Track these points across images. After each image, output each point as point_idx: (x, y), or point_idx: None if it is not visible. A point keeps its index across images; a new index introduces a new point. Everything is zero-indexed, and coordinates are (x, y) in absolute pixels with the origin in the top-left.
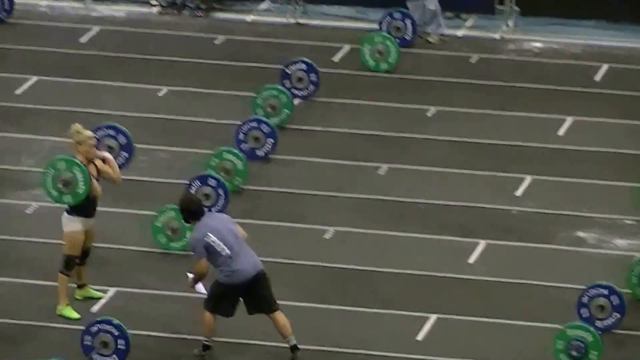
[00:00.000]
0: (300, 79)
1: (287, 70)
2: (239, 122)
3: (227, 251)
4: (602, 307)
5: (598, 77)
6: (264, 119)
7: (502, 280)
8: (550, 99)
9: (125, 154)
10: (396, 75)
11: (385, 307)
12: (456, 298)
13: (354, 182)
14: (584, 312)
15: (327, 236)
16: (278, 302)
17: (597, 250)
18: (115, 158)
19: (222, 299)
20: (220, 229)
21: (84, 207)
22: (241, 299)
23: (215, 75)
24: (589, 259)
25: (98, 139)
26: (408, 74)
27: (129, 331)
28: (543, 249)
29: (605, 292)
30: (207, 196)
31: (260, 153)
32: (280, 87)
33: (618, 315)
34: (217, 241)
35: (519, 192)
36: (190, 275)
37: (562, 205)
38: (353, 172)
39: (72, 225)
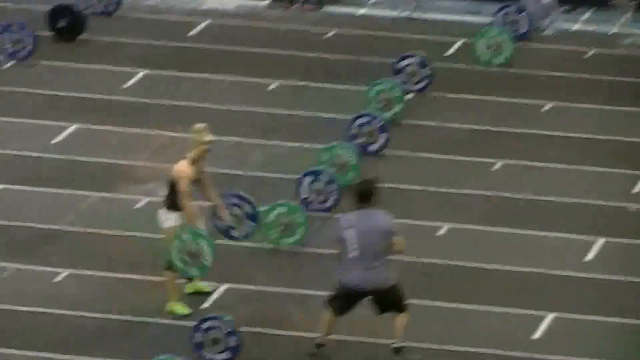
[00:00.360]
0: (413, 74)
1: (400, 65)
2: (351, 117)
3: (354, 253)
4: None
5: None
6: (376, 114)
7: (621, 278)
8: None
9: (252, 223)
10: (511, 69)
11: (500, 305)
12: (573, 296)
13: (468, 178)
14: None
15: (441, 233)
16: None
17: None
18: (240, 226)
19: (338, 296)
20: (362, 227)
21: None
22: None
23: (326, 69)
24: None
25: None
26: (523, 69)
27: (240, 328)
28: None
29: None
30: (319, 191)
31: (372, 148)
32: (392, 82)
33: None
34: (351, 240)
35: (636, 189)
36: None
37: None
38: (467, 168)
39: (170, 220)
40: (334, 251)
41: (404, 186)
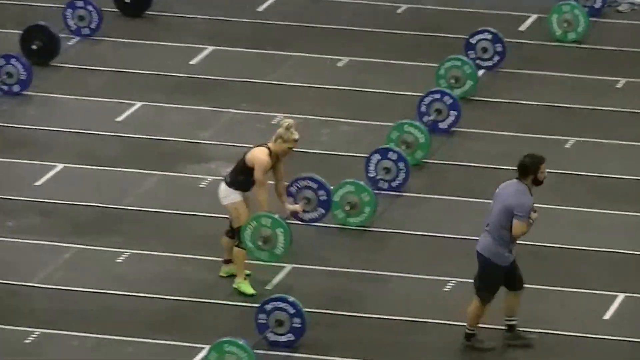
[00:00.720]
0: (485, 49)
1: (471, 40)
2: (422, 94)
3: (485, 220)
4: None
5: None
6: (447, 90)
7: None
8: None
9: (322, 210)
10: (584, 45)
11: (573, 285)
12: None
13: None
14: None
15: None
16: (465, 280)
17: None
18: (310, 212)
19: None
20: (497, 197)
21: (245, 183)
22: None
23: (396, 45)
24: None
25: (298, 188)
26: (597, 45)
27: (305, 309)
28: None
29: None
30: (387, 170)
31: (443, 126)
32: (464, 58)
33: None
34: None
35: None
36: None
37: None
38: (540, 145)
39: (232, 196)
40: (402, 231)
41: (475, 164)
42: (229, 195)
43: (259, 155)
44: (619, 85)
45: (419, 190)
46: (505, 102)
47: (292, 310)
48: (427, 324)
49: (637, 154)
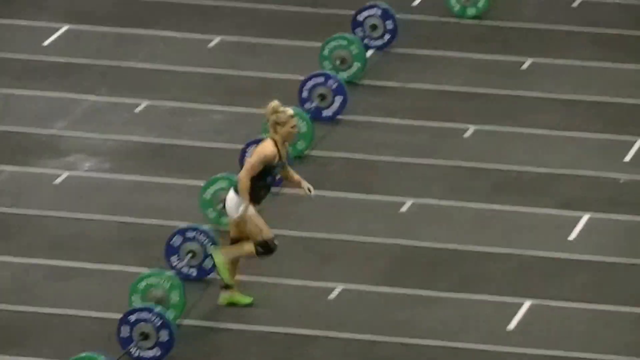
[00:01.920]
0: (374, 27)
1: (358, 17)
2: (303, 78)
3: None
4: None
5: None
6: (332, 73)
7: (607, 260)
8: None
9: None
10: (486, 22)
11: (471, 291)
12: (553, 281)
13: (436, 146)
14: None
15: (404, 209)
16: (347, 285)
17: None
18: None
19: None
20: None
21: (260, 196)
22: None
23: (275, 22)
24: None
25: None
26: (499, 21)
27: (176, 321)
28: None
29: None
30: None
31: (327, 113)
32: (350, 37)
33: None
34: None
35: (628, 158)
36: None
37: None
38: (435, 135)
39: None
40: (280, 232)
41: (363, 156)
42: (242, 207)
43: (260, 145)
44: (524, 67)
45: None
46: (397, 86)
47: (158, 322)
48: (310, 336)
49: (545, 144)
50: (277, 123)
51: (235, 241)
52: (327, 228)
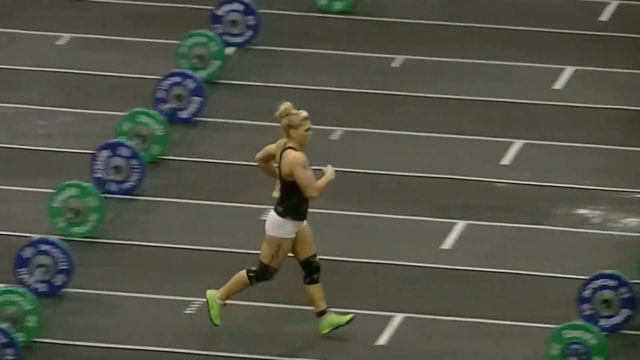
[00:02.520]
0: (234, 23)
1: (218, 12)
2: (159, 77)
3: None
4: (608, 302)
5: (604, 17)
6: (190, 72)
7: (483, 269)
8: (547, 45)
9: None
10: (354, 16)
11: (338, 305)
12: (427, 293)
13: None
14: (587, 309)
15: (265, 217)
16: (200, 300)
17: (602, 232)
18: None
19: None
20: None
21: (302, 211)
22: None
23: (129, 18)
24: (592, 242)
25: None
26: (368, 16)
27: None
28: (535, 230)
29: (613, 283)
30: (117, 168)
31: (184, 115)
32: (209, 33)
33: (628, 312)
34: None
35: (505, 161)
36: None
37: (558, 175)
38: None
39: (286, 228)
40: (135, 242)
41: (222, 160)
42: (279, 227)
43: (290, 157)
44: (395, 64)
45: (155, 193)
46: (259, 85)
47: (3, 340)
48: (164, 353)
49: (418, 145)
50: (290, 126)
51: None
52: (185, 238)
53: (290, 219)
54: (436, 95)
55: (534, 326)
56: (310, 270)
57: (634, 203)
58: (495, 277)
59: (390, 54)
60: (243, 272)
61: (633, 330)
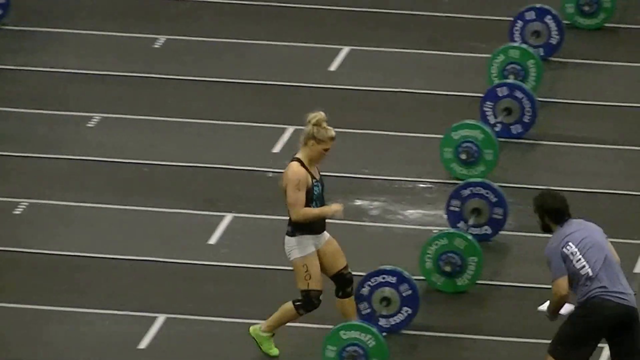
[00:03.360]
0: None
1: None
2: None
3: (588, 270)
4: (387, 300)
5: None
6: None
7: (248, 266)
8: (324, 25)
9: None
10: None
11: (92, 306)
12: (189, 292)
13: (55, 138)
14: (364, 307)
15: (18, 212)
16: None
17: (380, 224)
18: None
19: (578, 341)
20: (584, 239)
21: (315, 227)
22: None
23: None
24: (370, 235)
25: None
26: None
27: None
28: None
29: (392, 280)
30: None
31: None
32: None
33: (409, 311)
34: (578, 254)
35: (277, 149)
36: (545, 306)
37: (333, 163)
38: (56, 124)
39: (301, 247)
40: None
41: None
42: (294, 248)
43: (289, 172)
44: (157, 44)
45: None
46: (8, 69)
47: None
48: None
49: (182, 133)
50: (313, 137)
51: None
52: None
53: (301, 234)
54: (202, 79)
55: (312, 327)
56: (344, 283)
57: (415, 194)
58: (258, 274)
59: (154, 34)
60: (289, 304)
61: (414, 330)
